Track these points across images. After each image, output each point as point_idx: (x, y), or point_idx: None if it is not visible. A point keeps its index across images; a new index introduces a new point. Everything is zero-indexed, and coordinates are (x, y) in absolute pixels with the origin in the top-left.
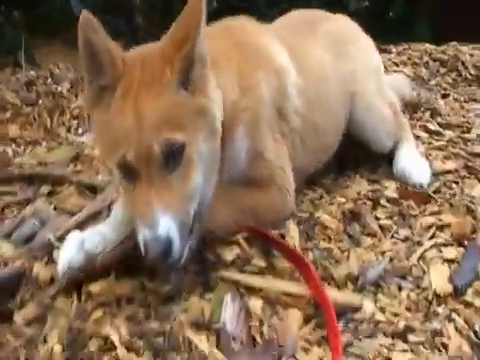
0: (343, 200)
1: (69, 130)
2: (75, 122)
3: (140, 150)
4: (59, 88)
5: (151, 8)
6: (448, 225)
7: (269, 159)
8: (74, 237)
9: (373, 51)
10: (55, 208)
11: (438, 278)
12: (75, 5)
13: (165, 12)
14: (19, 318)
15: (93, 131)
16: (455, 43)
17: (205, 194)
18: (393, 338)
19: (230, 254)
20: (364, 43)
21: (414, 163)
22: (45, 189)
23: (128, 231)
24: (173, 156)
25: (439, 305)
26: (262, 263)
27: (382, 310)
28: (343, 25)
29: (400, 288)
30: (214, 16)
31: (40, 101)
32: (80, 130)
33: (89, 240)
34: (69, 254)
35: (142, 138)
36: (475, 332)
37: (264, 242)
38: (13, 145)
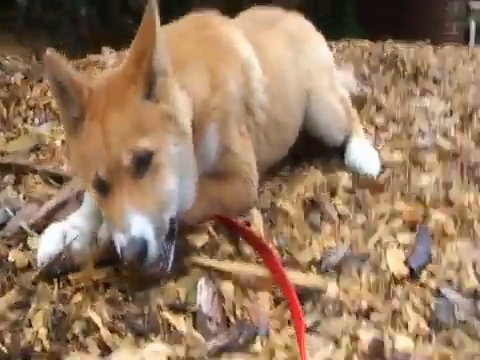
0: (302, 190)
1: (25, 120)
2: (31, 113)
3: (110, 164)
4: (12, 79)
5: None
6: (400, 212)
7: (236, 152)
8: (55, 229)
9: (325, 49)
10: (24, 197)
11: (395, 261)
12: None
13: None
14: (1, 303)
15: (70, 160)
16: (391, 41)
17: (184, 197)
18: (357, 317)
19: (200, 241)
20: (317, 41)
21: (365, 155)
22: (9, 178)
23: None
24: (142, 163)
25: (397, 286)
26: (230, 249)
27: (345, 291)
28: (298, 23)
29: (360, 271)
30: None
31: None
32: (36, 120)
33: (70, 234)
34: (50, 245)
35: (110, 152)
36: (431, 310)
37: (231, 230)
38: None
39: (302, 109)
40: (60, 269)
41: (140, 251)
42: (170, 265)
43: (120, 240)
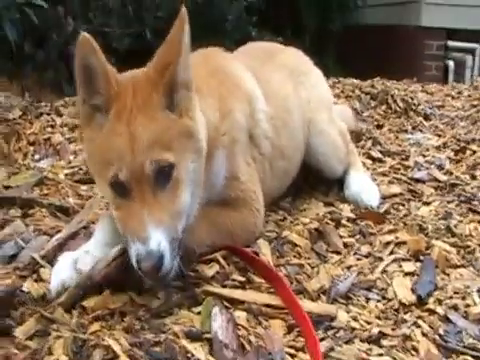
0: (307, 220)
1: (26, 156)
2: (32, 148)
3: (133, 170)
4: (11, 115)
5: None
6: (404, 242)
7: (242, 180)
8: (66, 257)
9: (324, 83)
10: (33, 230)
11: (401, 289)
12: (10, 31)
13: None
14: (20, 333)
15: (84, 148)
16: (379, 78)
17: (191, 210)
18: (369, 343)
19: (210, 270)
20: (316, 75)
21: (364, 187)
22: (15, 212)
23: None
24: (163, 175)
25: (405, 313)
26: (241, 278)
27: (355, 319)
28: (297, 57)
29: (368, 299)
30: None
31: None
32: (37, 156)
33: (81, 260)
34: (63, 274)
35: (135, 159)
36: (440, 336)
37: (241, 259)
38: None
39: (304, 139)
40: (82, 291)
41: (157, 264)
42: (173, 272)
43: (137, 249)
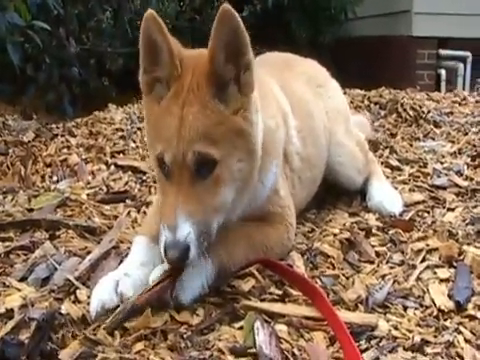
0: (337, 231)
1: (44, 178)
2: (49, 170)
3: (176, 156)
4: (25, 138)
5: (88, 58)
6: (436, 249)
7: (281, 195)
8: (107, 280)
9: (340, 94)
10: (64, 252)
11: (439, 296)
12: (13, 55)
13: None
14: (66, 356)
15: (145, 114)
16: (383, 88)
17: (234, 210)
18: (413, 351)
19: (246, 285)
20: (333, 86)
21: (387, 195)
22: (42, 234)
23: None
24: (205, 168)
25: (445, 320)
26: (278, 291)
27: (396, 327)
28: (314, 67)
29: (405, 307)
30: None
31: (10, 150)
32: (54, 177)
33: (122, 283)
34: (103, 296)
35: (180, 146)
36: None
37: (274, 272)
38: None
39: (327, 145)
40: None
41: (182, 254)
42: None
43: (165, 236)
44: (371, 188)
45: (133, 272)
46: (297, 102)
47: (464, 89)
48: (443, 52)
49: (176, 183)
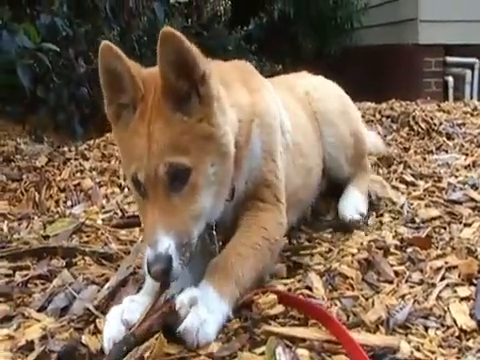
0: (355, 251)
1: (58, 203)
2: (63, 195)
3: (148, 172)
4: (38, 163)
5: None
6: (455, 266)
7: (278, 166)
8: (114, 312)
9: (332, 84)
10: (82, 280)
11: (460, 315)
12: (23, 77)
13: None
14: None
15: (116, 143)
16: (394, 100)
17: (214, 212)
18: None
19: (273, 310)
20: (320, 78)
21: (350, 198)
22: (58, 262)
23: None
24: (179, 179)
25: (468, 340)
26: (299, 315)
27: (417, 349)
28: (292, 73)
29: (426, 328)
30: None
31: (24, 176)
32: (69, 202)
33: (127, 310)
34: (112, 331)
35: (150, 161)
36: None
37: (287, 304)
38: (6, 221)
39: (319, 141)
40: (126, 346)
41: (165, 268)
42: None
43: (148, 254)
44: (345, 191)
45: (139, 298)
46: (284, 101)
47: (472, 96)
48: (450, 59)
49: (152, 200)
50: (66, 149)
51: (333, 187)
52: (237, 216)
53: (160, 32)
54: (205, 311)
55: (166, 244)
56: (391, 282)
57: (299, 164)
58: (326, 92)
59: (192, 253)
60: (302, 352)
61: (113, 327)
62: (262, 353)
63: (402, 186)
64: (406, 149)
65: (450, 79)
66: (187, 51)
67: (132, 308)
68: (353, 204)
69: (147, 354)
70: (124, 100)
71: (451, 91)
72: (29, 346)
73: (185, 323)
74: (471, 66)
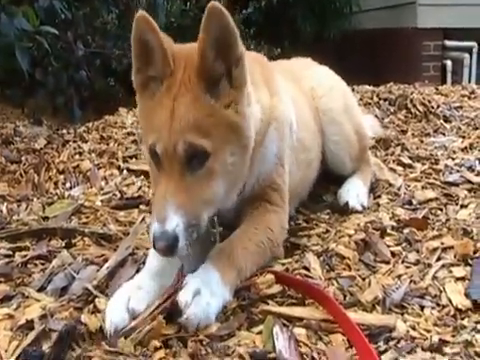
0: (352, 231)
1: (57, 185)
2: (62, 177)
3: (167, 146)
4: (37, 145)
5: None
6: (451, 247)
7: (286, 170)
8: (119, 297)
9: (334, 75)
10: (81, 260)
11: (455, 295)
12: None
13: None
14: None
15: (138, 110)
16: (391, 83)
17: (225, 202)
18: (431, 352)
19: (271, 289)
20: (322, 68)
21: (356, 189)
22: (58, 243)
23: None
24: (196, 160)
25: (463, 319)
26: (296, 294)
27: (413, 328)
28: (296, 60)
29: (422, 307)
30: None
31: (23, 158)
32: (67, 184)
33: (134, 298)
34: (115, 316)
35: (170, 136)
36: None
37: (284, 284)
38: (5, 203)
39: (319, 132)
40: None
41: (171, 245)
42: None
43: (154, 228)
44: (349, 179)
45: (146, 284)
46: (285, 90)
47: (470, 80)
48: (449, 43)
49: (167, 174)
50: (65, 131)
51: (334, 177)
52: (240, 213)
53: (207, 6)
54: (208, 295)
55: (174, 223)
56: (387, 262)
57: (301, 159)
58: (330, 89)
59: (199, 235)
60: (299, 331)
61: (117, 313)
62: (260, 332)
63: (399, 168)
64: (403, 132)
65: (448, 63)
66: (232, 29)
67: (139, 297)
68: (355, 192)
69: (145, 335)
70: (152, 73)
71: (449, 75)
72: (29, 325)
73: (188, 314)
74: (469, 50)
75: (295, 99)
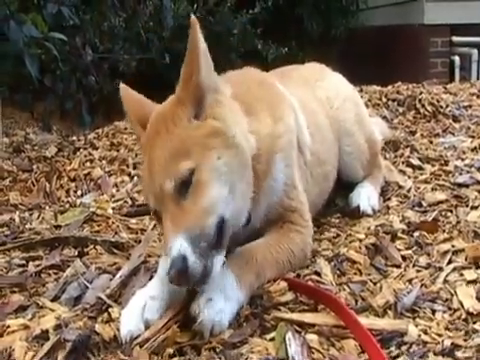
0: (362, 236)
1: (68, 193)
2: (73, 184)
3: (156, 194)
4: (48, 153)
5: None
6: (462, 250)
7: (300, 191)
8: (134, 306)
9: (347, 85)
10: (94, 269)
11: (467, 298)
12: (31, 67)
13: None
14: None
15: None
16: (400, 83)
17: (239, 206)
18: (443, 356)
19: (284, 297)
20: (336, 77)
21: (368, 193)
22: (70, 252)
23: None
24: (184, 184)
25: (475, 323)
26: (309, 301)
27: (425, 332)
28: (312, 68)
29: (434, 311)
30: None
31: (34, 166)
32: (79, 192)
33: (148, 308)
34: (130, 325)
35: (154, 183)
36: None
37: (296, 291)
38: (17, 212)
39: (336, 140)
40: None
41: (181, 269)
42: (213, 271)
43: (167, 263)
44: (360, 183)
45: (159, 294)
46: (301, 101)
47: (478, 75)
48: (456, 39)
49: (164, 215)
50: (75, 138)
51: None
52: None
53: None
54: (222, 300)
55: (177, 245)
56: (398, 266)
57: (317, 173)
58: (344, 100)
59: (209, 243)
60: (311, 337)
61: (132, 322)
62: (272, 339)
63: (409, 170)
64: (412, 132)
65: (456, 59)
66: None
67: (153, 307)
68: (367, 196)
69: (160, 343)
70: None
71: (457, 71)
72: (44, 335)
73: (201, 318)
74: (477, 45)
75: (310, 109)
